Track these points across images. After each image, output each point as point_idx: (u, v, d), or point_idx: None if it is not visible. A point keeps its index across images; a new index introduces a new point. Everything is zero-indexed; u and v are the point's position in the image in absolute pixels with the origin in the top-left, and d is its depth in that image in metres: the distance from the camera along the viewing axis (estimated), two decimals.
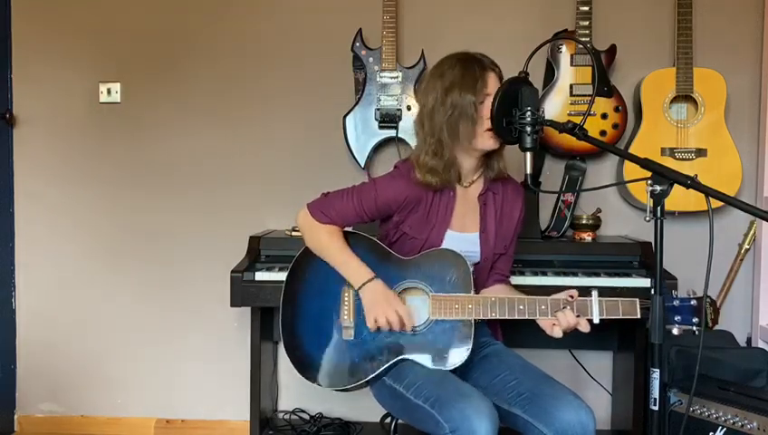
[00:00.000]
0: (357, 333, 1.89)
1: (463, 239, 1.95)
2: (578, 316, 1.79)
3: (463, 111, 1.84)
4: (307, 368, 1.92)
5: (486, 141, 1.88)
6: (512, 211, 2.03)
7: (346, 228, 1.99)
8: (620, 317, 1.79)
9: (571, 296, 1.81)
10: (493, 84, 1.87)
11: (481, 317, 1.83)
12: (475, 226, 1.98)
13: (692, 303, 1.68)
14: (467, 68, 1.88)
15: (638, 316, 1.77)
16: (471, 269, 1.88)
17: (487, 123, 1.84)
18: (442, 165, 1.88)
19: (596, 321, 1.80)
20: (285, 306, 1.97)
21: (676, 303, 1.68)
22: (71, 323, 3.02)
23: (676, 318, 1.67)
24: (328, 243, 1.93)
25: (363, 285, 1.86)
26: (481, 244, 1.98)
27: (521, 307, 1.82)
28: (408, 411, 1.81)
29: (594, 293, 1.81)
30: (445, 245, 1.93)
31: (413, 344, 1.86)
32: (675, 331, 1.68)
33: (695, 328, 1.69)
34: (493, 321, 2.06)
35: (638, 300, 1.77)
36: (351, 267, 1.90)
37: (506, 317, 1.83)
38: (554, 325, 1.82)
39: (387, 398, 1.89)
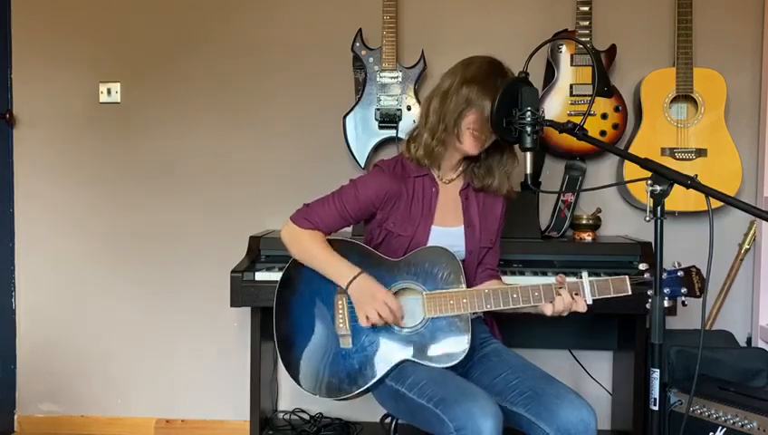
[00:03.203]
0: (354, 340, 1.88)
1: (447, 234, 1.95)
2: (576, 294, 1.80)
3: (471, 107, 1.85)
4: (309, 381, 1.90)
5: (466, 142, 1.88)
6: (494, 205, 2.03)
7: (332, 235, 1.97)
8: (612, 295, 1.79)
9: (560, 280, 1.82)
10: None
11: (476, 310, 1.84)
12: (457, 220, 1.99)
13: (679, 274, 1.71)
14: (492, 74, 1.87)
15: (629, 292, 1.78)
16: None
17: (475, 130, 1.86)
18: (443, 150, 1.91)
19: (589, 301, 1.80)
20: (280, 321, 1.95)
21: (663, 276, 1.67)
22: (71, 323, 3.02)
23: (665, 291, 1.67)
24: (309, 246, 1.92)
25: (350, 282, 1.85)
26: (466, 238, 1.98)
27: (515, 296, 1.82)
28: (411, 412, 1.81)
29: (584, 274, 1.82)
30: (431, 240, 1.93)
31: (412, 345, 1.85)
32: (665, 303, 1.67)
33: (683, 298, 1.71)
34: (490, 318, 2.07)
35: (627, 277, 1.78)
36: (335, 267, 1.89)
37: (501, 308, 1.83)
38: (551, 304, 1.81)
39: (389, 400, 1.88)
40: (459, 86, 1.87)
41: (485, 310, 1.84)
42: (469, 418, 1.61)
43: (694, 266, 1.72)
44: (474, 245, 1.99)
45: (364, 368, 1.86)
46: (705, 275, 1.61)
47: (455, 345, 1.83)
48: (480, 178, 1.98)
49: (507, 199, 2.06)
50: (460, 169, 2.00)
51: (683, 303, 1.72)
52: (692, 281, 1.71)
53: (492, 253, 2.05)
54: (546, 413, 1.70)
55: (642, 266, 1.74)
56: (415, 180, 1.96)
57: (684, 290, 1.70)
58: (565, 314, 1.82)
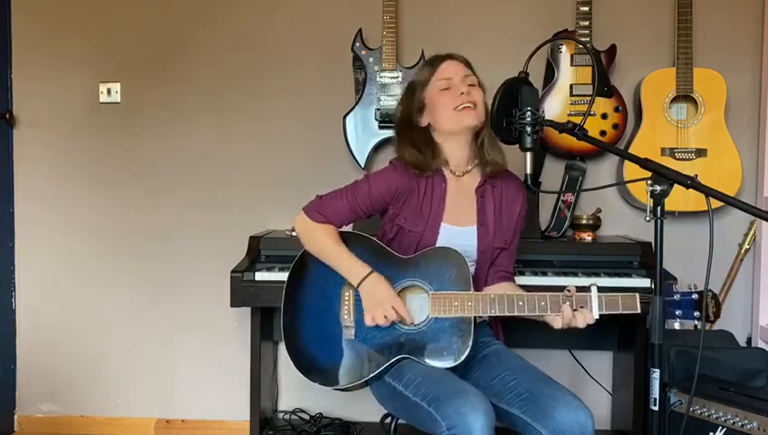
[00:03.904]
0: (358, 332, 1.89)
1: (459, 233, 1.95)
2: (575, 310, 1.79)
3: (420, 101, 1.95)
4: (309, 368, 1.92)
5: (462, 119, 1.91)
6: (512, 205, 2.02)
7: (344, 229, 1.99)
8: (620, 312, 1.78)
9: (569, 291, 1.81)
10: (449, 69, 1.95)
11: (480, 314, 1.84)
12: (471, 219, 1.98)
13: (693, 297, 1.68)
14: (426, 64, 2.01)
15: (638, 311, 1.76)
16: (472, 268, 1.88)
17: (456, 102, 1.90)
18: (422, 158, 1.94)
19: (596, 316, 1.79)
20: (286, 308, 1.97)
21: (677, 297, 1.67)
22: (71, 323, 3.02)
23: (677, 312, 1.66)
24: (324, 242, 1.93)
25: (361, 281, 1.87)
26: (478, 238, 1.97)
27: (520, 304, 1.82)
28: (406, 410, 1.82)
29: (593, 288, 1.80)
30: (441, 238, 1.94)
31: (414, 343, 1.86)
32: (676, 325, 1.66)
33: (696, 322, 1.68)
34: (494, 320, 2.07)
35: (637, 294, 1.77)
36: (348, 265, 1.90)
37: (506, 314, 1.83)
38: (557, 316, 1.81)
39: (386, 396, 1.90)
40: (408, 97, 2.00)
41: (489, 315, 1.84)
42: (460, 417, 1.62)
43: (710, 291, 1.67)
44: (486, 245, 1.98)
45: (364, 360, 1.88)
46: (706, 275, 1.59)
47: (456, 347, 1.83)
48: (490, 162, 1.98)
49: (525, 202, 2.06)
50: (476, 161, 2.00)
51: (695, 326, 1.70)
52: (707, 305, 1.67)
53: (506, 254, 2.04)
54: (542, 415, 1.70)
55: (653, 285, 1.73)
56: (427, 178, 1.96)
57: (696, 314, 1.67)
58: (565, 327, 1.82)
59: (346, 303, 1.91)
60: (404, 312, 1.85)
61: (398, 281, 1.90)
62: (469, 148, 1.98)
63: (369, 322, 1.85)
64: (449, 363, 1.82)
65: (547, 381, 1.80)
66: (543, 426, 1.69)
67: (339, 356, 1.90)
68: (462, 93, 1.90)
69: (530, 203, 2.60)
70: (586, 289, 1.81)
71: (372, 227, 2.12)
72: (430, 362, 1.83)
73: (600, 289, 1.81)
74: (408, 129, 1.99)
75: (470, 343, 1.82)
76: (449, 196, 1.97)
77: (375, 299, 1.85)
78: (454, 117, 1.91)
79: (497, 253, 2.01)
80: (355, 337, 1.89)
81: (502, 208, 2.01)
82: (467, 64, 1.98)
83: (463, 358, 1.82)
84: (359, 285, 1.87)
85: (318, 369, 1.91)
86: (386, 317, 1.84)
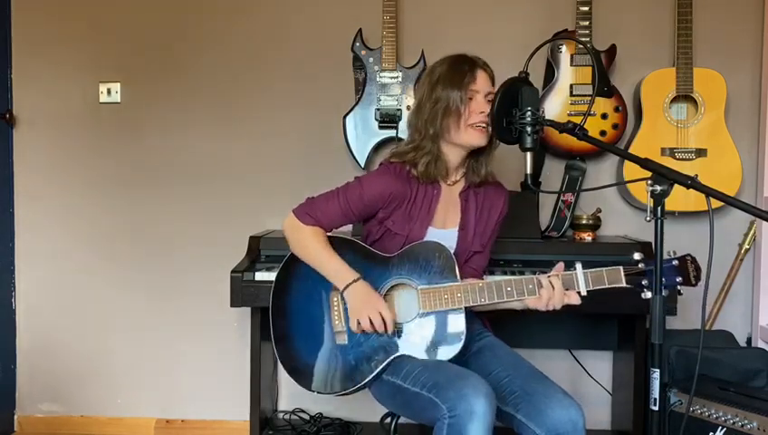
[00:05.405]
0: (350, 336, 1.89)
1: (441, 235, 1.95)
2: (567, 289, 1.79)
3: (447, 104, 1.87)
4: (305, 378, 1.91)
5: (472, 137, 1.89)
6: (491, 210, 2.03)
7: (327, 233, 1.98)
8: (606, 286, 1.77)
9: (557, 270, 1.81)
10: (482, 82, 1.88)
11: (471, 304, 1.83)
12: (454, 222, 1.99)
13: (674, 263, 1.69)
14: (456, 64, 1.91)
15: (624, 284, 1.75)
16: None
17: (473, 118, 1.87)
18: (428, 160, 1.91)
19: (583, 292, 1.79)
20: (276, 319, 1.96)
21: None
22: (71, 323, 3.02)
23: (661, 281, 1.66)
24: (311, 244, 1.92)
25: (347, 286, 1.86)
26: (458, 240, 1.98)
27: (509, 289, 1.82)
28: (407, 403, 1.81)
29: (578, 265, 1.81)
30: (425, 239, 1.94)
31: (408, 340, 1.86)
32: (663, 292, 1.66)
33: (679, 287, 1.69)
34: (481, 315, 2.07)
35: (621, 267, 1.76)
36: (334, 269, 1.90)
37: (495, 301, 1.82)
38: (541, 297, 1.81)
39: (386, 394, 1.89)
40: (430, 92, 1.90)
41: (480, 304, 1.84)
42: (461, 399, 1.62)
43: (689, 255, 1.70)
44: (464, 247, 1.99)
45: (360, 364, 1.87)
46: (705, 273, 1.59)
47: (450, 340, 1.83)
48: (478, 172, 1.98)
49: (506, 207, 2.06)
50: (463, 169, 2.00)
51: (678, 292, 1.71)
52: (687, 269, 1.69)
53: (481, 256, 2.05)
54: (535, 413, 1.71)
55: (637, 256, 1.72)
56: (420, 183, 1.96)
57: (679, 279, 1.68)
58: (558, 306, 1.81)
59: (336, 308, 1.90)
60: (389, 319, 1.83)
61: (385, 280, 1.90)
62: (463, 159, 1.98)
63: (354, 327, 1.85)
64: (445, 357, 1.83)
65: (539, 378, 1.81)
66: (537, 425, 1.70)
67: (334, 363, 1.89)
68: (482, 112, 1.87)
69: (530, 203, 2.63)
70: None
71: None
72: (426, 356, 1.84)
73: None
74: (421, 130, 1.92)
75: (464, 334, 1.82)
76: (439, 202, 1.97)
77: (361, 304, 1.84)
78: (465, 131, 1.89)
79: (472, 254, 2.02)
80: (348, 342, 1.89)
81: (482, 212, 2.01)
82: (492, 79, 1.94)
83: (458, 350, 1.82)
84: (345, 289, 1.86)
85: (315, 378, 1.91)
86: (371, 323, 1.82)
